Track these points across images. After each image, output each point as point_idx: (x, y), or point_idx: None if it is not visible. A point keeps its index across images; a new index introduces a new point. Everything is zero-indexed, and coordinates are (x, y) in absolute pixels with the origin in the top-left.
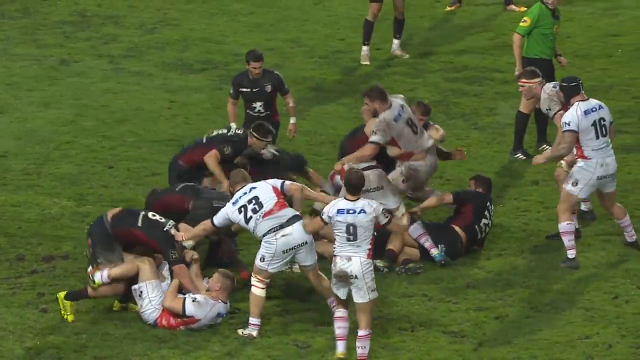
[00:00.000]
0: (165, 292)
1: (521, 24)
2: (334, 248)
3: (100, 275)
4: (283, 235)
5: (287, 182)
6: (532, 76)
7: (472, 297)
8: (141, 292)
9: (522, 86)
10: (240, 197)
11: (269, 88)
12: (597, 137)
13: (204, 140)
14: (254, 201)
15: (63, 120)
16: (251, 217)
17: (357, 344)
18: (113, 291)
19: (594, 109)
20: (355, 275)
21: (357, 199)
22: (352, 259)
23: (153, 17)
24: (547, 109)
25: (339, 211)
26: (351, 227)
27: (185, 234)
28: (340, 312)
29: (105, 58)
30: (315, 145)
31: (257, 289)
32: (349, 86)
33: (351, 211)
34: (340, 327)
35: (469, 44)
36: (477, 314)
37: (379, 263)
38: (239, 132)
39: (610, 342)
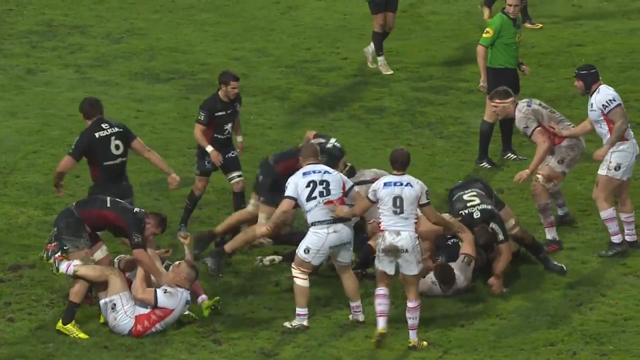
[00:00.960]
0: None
1: (484, 35)
2: (380, 222)
3: (67, 267)
4: (335, 232)
5: (356, 189)
6: (505, 96)
7: (438, 304)
8: (114, 304)
9: (495, 107)
10: (312, 172)
11: (238, 107)
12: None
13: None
14: (325, 184)
15: (30, 129)
16: (315, 197)
17: (408, 315)
18: (84, 289)
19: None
20: (406, 249)
21: (403, 174)
22: (402, 233)
23: (120, 27)
24: (524, 127)
25: (386, 184)
26: (398, 200)
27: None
28: (382, 290)
29: (72, 68)
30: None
31: (301, 280)
32: (315, 96)
33: (398, 183)
34: (381, 304)
35: (435, 54)
36: (442, 322)
37: (372, 270)
38: (337, 144)
39: (575, 349)
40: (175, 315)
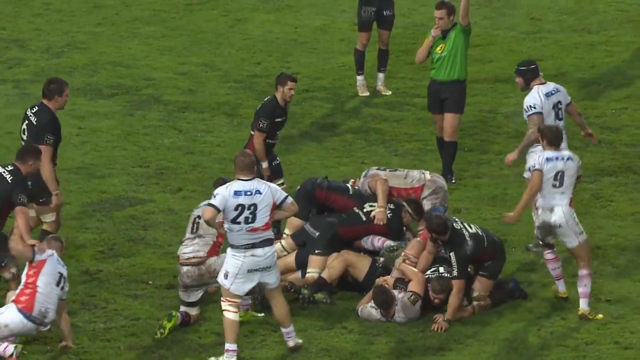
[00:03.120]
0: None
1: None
2: (537, 200)
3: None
4: (253, 256)
5: (289, 200)
6: None
7: (393, 329)
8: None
9: None
10: (243, 193)
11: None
12: (555, 121)
13: (350, 191)
14: (253, 208)
15: None
16: (240, 222)
17: (580, 282)
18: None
19: (552, 92)
20: (560, 225)
21: (561, 149)
22: (555, 209)
23: (60, 41)
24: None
25: (548, 159)
26: (559, 174)
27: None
28: (550, 254)
29: (10, 83)
30: (231, 173)
31: (230, 313)
32: None
33: (560, 158)
34: (555, 269)
35: (389, 69)
36: (398, 347)
37: (320, 295)
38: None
39: None
40: (48, 273)
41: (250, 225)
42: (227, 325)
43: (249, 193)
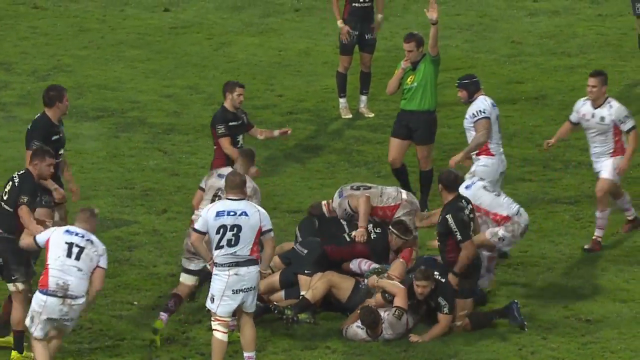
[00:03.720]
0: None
1: None
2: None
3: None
4: (236, 274)
5: (271, 235)
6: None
7: (376, 349)
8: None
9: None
10: (226, 214)
11: (245, 118)
12: (499, 132)
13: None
14: (236, 229)
15: None
16: (222, 246)
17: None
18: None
19: (494, 104)
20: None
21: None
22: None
23: (46, 64)
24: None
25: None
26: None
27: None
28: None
29: None
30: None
31: (219, 333)
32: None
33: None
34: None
35: (372, 91)
36: None
37: (303, 315)
38: None
39: None
40: (58, 243)
41: (233, 248)
42: (215, 345)
43: (232, 213)
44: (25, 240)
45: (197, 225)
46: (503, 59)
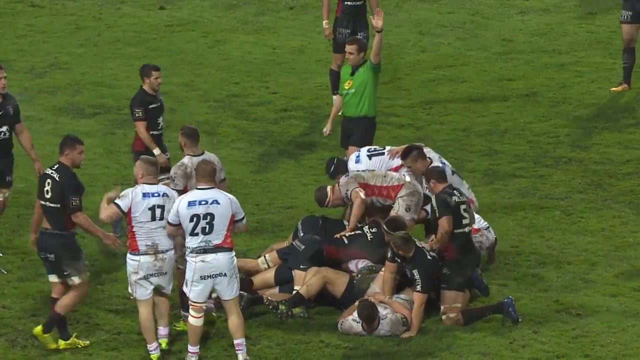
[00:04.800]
0: None
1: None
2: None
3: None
4: (203, 261)
5: (244, 222)
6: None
7: (369, 343)
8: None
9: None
10: (197, 203)
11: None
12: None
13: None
14: (209, 218)
15: None
16: (197, 233)
17: None
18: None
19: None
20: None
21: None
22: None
23: (43, 61)
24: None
25: None
26: None
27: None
28: None
29: None
30: None
31: (193, 319)
32: (244, 131)
33: None
34: None
35: None
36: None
37: (297, 310)
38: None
39: None
40: (141, 211)
41: (208, 236)
42: (190, 329)
43: (204, 202)
44: (106, 212)
45: (169, 219)
46: (494, 57)
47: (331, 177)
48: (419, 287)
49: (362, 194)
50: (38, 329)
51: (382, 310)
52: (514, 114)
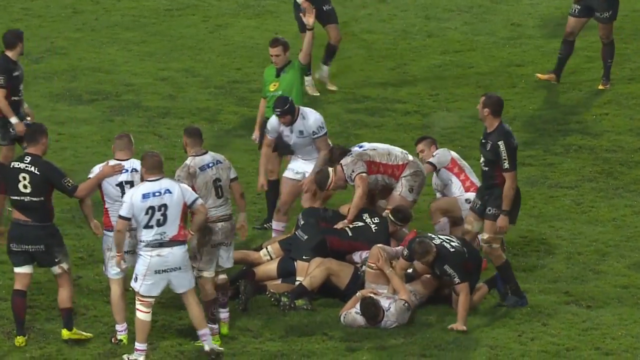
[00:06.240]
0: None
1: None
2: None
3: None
4: (159, 255)
5: (199, 202)
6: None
7: (374, 335)
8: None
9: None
10: (151, 195)
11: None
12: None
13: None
14: (163, 209)
15: None
16: (152, 226)
17: None
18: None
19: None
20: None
21: None
22: None
23: (39, 46)
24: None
25: None
26: None
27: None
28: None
29: None
30: None
31: (141, 313)
32: (246, 117)
33: None
34: None
35: (370, 74)
36: (379, 353)
37: (300, 302)
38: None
39: None
40: (109, 186)
41: (163, 227)
42: (137, 324)
43: (157, 194)
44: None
45: (122, 212)
46: (503, 42)
47: (282, 115)
48: (456, 279)
49: (365, 183)
50: (64, 332)
51: (385, 302)
52: (523, 101)
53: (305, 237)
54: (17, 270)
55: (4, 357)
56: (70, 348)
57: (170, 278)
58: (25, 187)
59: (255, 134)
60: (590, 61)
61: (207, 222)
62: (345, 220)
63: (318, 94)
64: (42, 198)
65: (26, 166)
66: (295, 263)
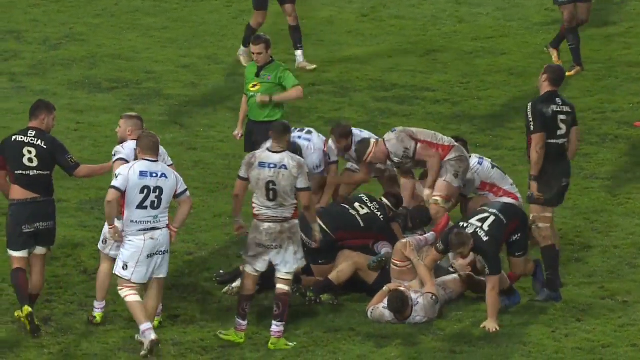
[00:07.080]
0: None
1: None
2: None
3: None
4: (152, 239)
5: (187, 194)
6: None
7: (402, 331)
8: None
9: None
10: (149, 175)
11: None
12: None
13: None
14: (158, 191)
15: None
16: (146, 207)
17: None
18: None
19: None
20: None
21: None
22: None
23: (58, 32)
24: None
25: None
26: None
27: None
28: None
29: (6, 76)
30: (236, 170)
31: (130, 296)
32: None
33: None
34: None
35: (398, 61)
36: (407, 350)
37: (326, 297)
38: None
39: None
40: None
41: (156, 210)
42: (131, 308)
43: (154, 175)
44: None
45: (116, 183)
46: (536, 28)
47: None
48: (487, 271)
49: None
50: (26, 308)
51: (413, 295)
52: None
53: (313, 243)
54: (16, 254)
55: (22, 352)
56: (89, 343)
57: (157, 260)
58: (30, 160)
59: (238, 131)
60: (627, 47)
61: (256, 219)
62: (429, 186)
63: (315, 67)
64: (49, 172)
65: (31, 140)
66: (312, 267)
